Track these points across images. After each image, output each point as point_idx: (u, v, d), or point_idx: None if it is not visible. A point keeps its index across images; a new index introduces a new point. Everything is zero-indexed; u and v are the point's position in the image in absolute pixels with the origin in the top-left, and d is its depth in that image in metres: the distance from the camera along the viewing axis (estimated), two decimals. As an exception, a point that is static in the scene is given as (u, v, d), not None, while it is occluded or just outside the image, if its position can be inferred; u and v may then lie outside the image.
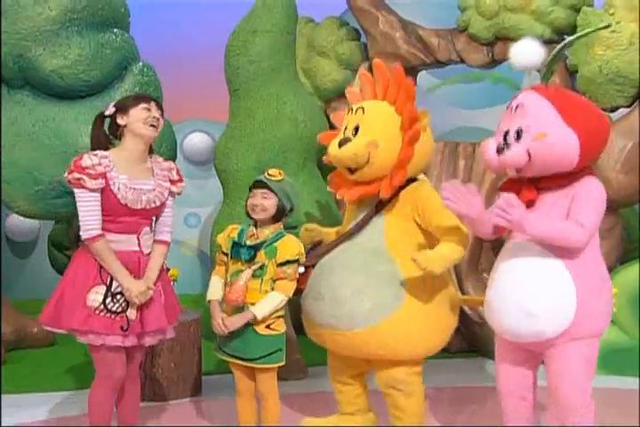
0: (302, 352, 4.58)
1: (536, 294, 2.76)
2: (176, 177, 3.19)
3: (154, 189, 3.08)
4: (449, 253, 3.11)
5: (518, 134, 2.80)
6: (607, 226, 4.57)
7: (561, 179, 2.83)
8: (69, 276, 3.05)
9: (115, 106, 3.13)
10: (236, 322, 3.18)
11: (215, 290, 3.31)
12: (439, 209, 3.17)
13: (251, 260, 3.18)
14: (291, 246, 3.20)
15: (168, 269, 4.13)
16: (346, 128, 3.33)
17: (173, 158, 4.60)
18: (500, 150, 2.84)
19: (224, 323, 3.19)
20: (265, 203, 3.19)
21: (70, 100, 4.31)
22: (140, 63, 4.47)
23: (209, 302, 3.30)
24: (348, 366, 3.46)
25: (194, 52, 7.11)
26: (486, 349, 4.86)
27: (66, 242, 6.06)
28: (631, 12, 4.66)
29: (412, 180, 3.32)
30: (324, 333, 3.29)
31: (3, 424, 3.74)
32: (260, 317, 3.16)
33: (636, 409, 3.89)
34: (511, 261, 2.89)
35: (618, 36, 4.66)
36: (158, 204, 3.11)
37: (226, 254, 3.29)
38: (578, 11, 4.93)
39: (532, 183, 2.87)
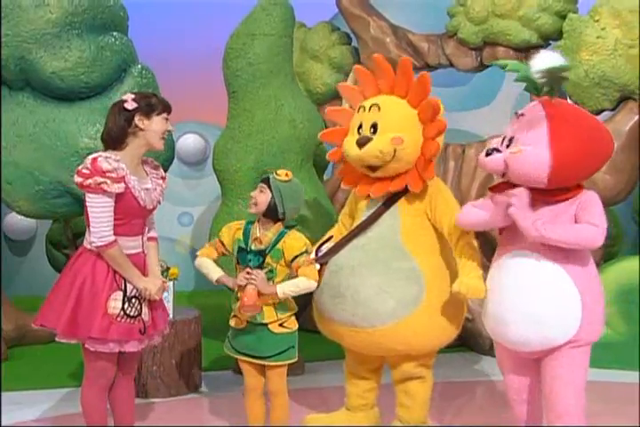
0: (300, 348, 4.64)
1: (543, 302, 2.83)
2: (164, 174, 3.17)
3: (155, 189, 3.06)
4: (476, 267, 3.12)
5: (510, 142, 2.90)
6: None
7: (555, 195, 2.88)
8: (81, 283, 2.92)
9: (136, 101, 2.95)
10: (263, 287, 3.13)
11: (213, 268, 3.28)
12: (450, 209, 3.21)
13: (259, 265, 3.19)
14: (295, 244, 3.19)
15: (168, 268, 4.22)
16: (360, 127, 3.26)
17: (171, 158, 4.69)
18: (488, 154, 2.94)
19: (249, 275, 3.12)
20: (258, 197, 3.21)
21: (70, 102, 4.37)
22: (139, 65, 4.53)
23: (217, 281, 3.25)
24: (360, 362, 3.48)
25: (187, 54, 7.13)
26: (477, 344, 4.98)
27: (64, 240, 6.07)
28: (616, 18, 4.81)
29: None
30: (343, 330, 3.29)
31: (3, 422, 3.72)
32: (280, 294, 3.13)
33: (619, 401, 4.01)
34: (512, 274, 2.93)
35: (603, 42, 4.81)
36: (159, 203, 3.11)
37: (231, 253, 3.28)
38: (564, 17, 5.08)
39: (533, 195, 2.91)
